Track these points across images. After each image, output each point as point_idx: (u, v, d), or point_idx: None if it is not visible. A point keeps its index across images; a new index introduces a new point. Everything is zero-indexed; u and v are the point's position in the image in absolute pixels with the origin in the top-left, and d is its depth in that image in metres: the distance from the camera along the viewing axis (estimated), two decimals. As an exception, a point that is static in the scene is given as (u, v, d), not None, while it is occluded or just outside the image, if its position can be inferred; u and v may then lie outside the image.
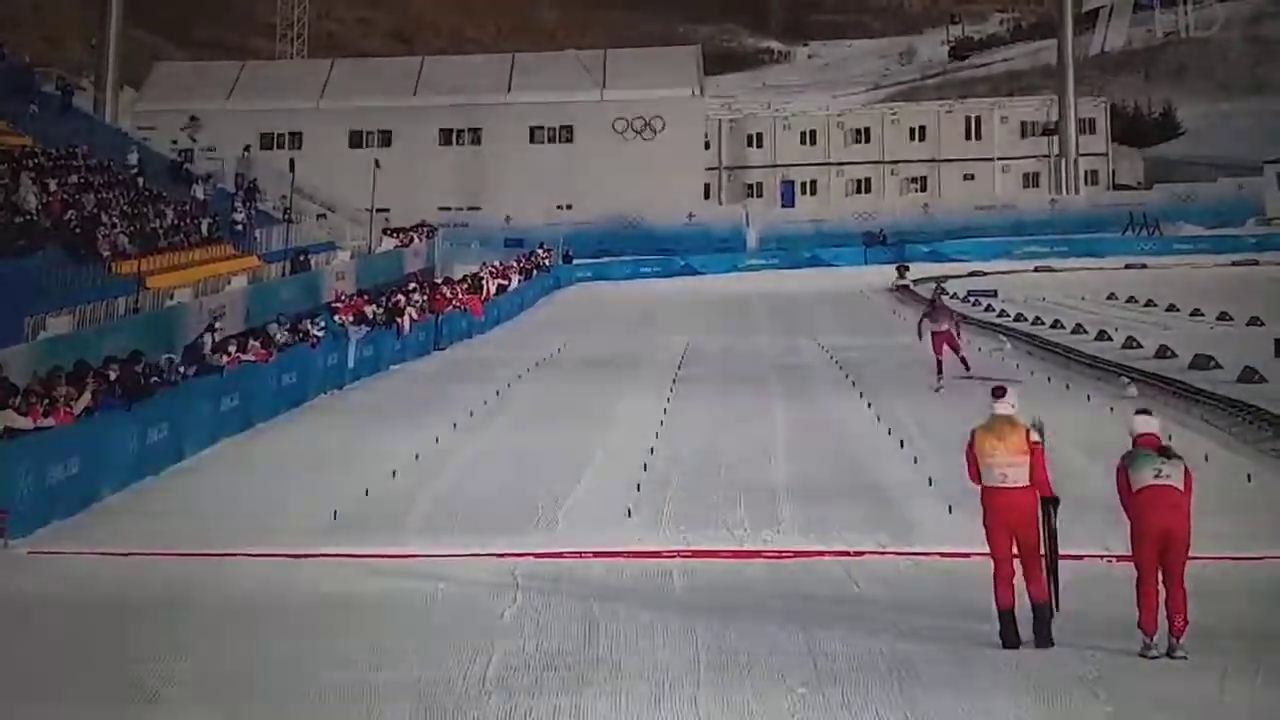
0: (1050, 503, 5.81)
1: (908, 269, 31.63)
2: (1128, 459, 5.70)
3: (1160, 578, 5.56)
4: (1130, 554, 5.76)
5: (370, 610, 6.61)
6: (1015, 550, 5.74)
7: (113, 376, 10.90)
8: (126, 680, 5.52)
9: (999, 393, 6.00)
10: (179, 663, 5.77)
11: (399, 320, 18.82)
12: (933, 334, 13.93)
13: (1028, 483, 5.73)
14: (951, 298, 27.07)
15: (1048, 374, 15.19)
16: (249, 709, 5.22)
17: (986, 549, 5.89)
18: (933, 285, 27.14)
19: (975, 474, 5.86)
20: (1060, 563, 5.86)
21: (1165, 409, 11.67)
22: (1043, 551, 5.77)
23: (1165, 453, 5.68)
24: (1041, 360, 16.73)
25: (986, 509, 5.80)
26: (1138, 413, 6.07)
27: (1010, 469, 5.71)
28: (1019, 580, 5.75)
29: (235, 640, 6.13)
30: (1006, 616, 5.74)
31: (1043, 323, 20.84)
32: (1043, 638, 5.70)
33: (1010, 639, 5.72)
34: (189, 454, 11.03)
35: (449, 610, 6.57)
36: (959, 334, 14.43)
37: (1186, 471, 5.66)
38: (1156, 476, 5.55)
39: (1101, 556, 6.93)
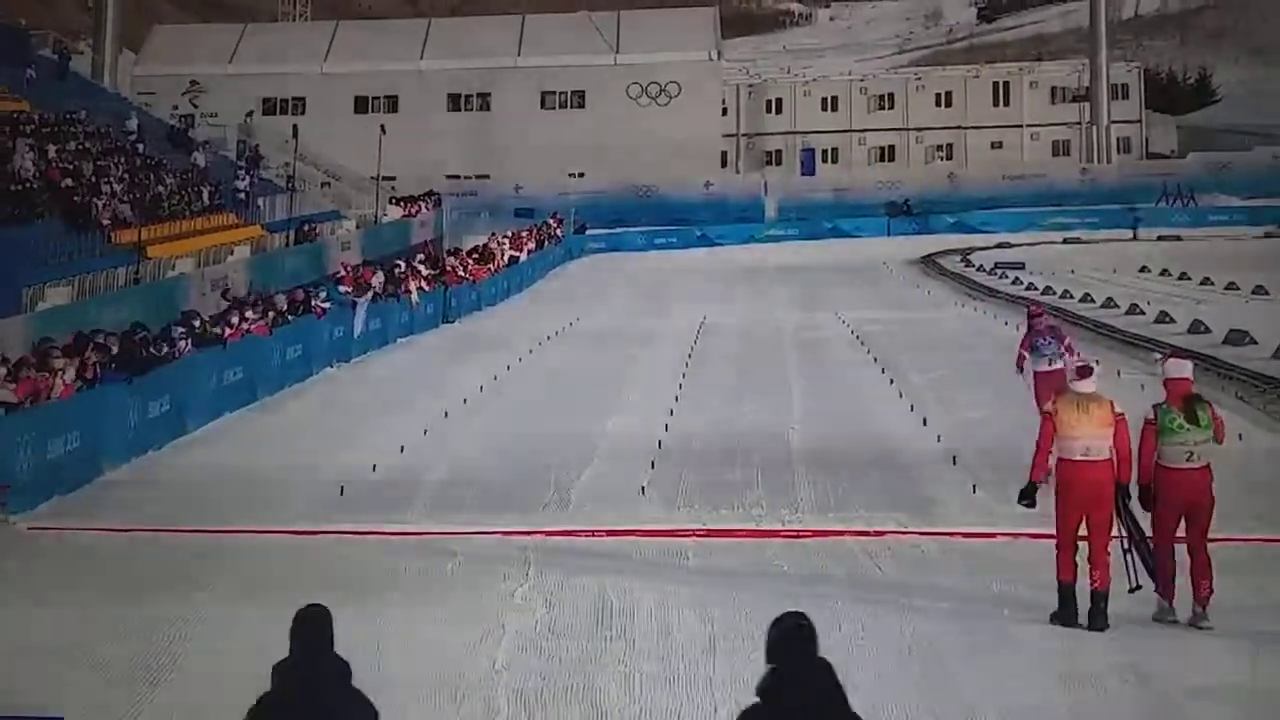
0: (1121, 490, 5.67)
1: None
2: (1159, 424, 5.66)
3: (1188, 545, 5.60)
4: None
5: (378, 589, 6.45)
6: (1084, 531, 5.60)
7: (114, 350, 10.65)
8: (129, 659, 5.41)
9: (1085, 372, 5.90)
10: (183, 641, 5.67)
11: (408, 290, 18.32)
12: (1037, 375, 8.99)
13: (1109, 456, 5.62)
14: (978, 269, 26.74)
15: (1076, 350, 14.76)
16: (255, 689, 5.09)
17: (1012, 529, 6.03)
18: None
19: (1046, 452, 5.68)
20: (1096, 543, 5.68)
21: (1198, 386, 11.42)
22: (1117, 532, 5.66)
23: (1193, 411, 5.65)
24: (1071, 336, 16.35)
25: (1063, 484, 5.63)
26: (1170, 356, 6.15)
27: (1094, 442, 5.59)
28: (1083, 563, 5.59)
29: (240, 618, 5.96)
30: (1067, 591, 5.60)
31: (1072, 296, 20.59)
32: (1096, 623, 5.58)
33: (1068, 616, 5.58)
34: (192, 428, 10.94)
35: (459, 588, 6.47)
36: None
37: (1217, 426, 5.70)
38: (1189, 460, 5.59)
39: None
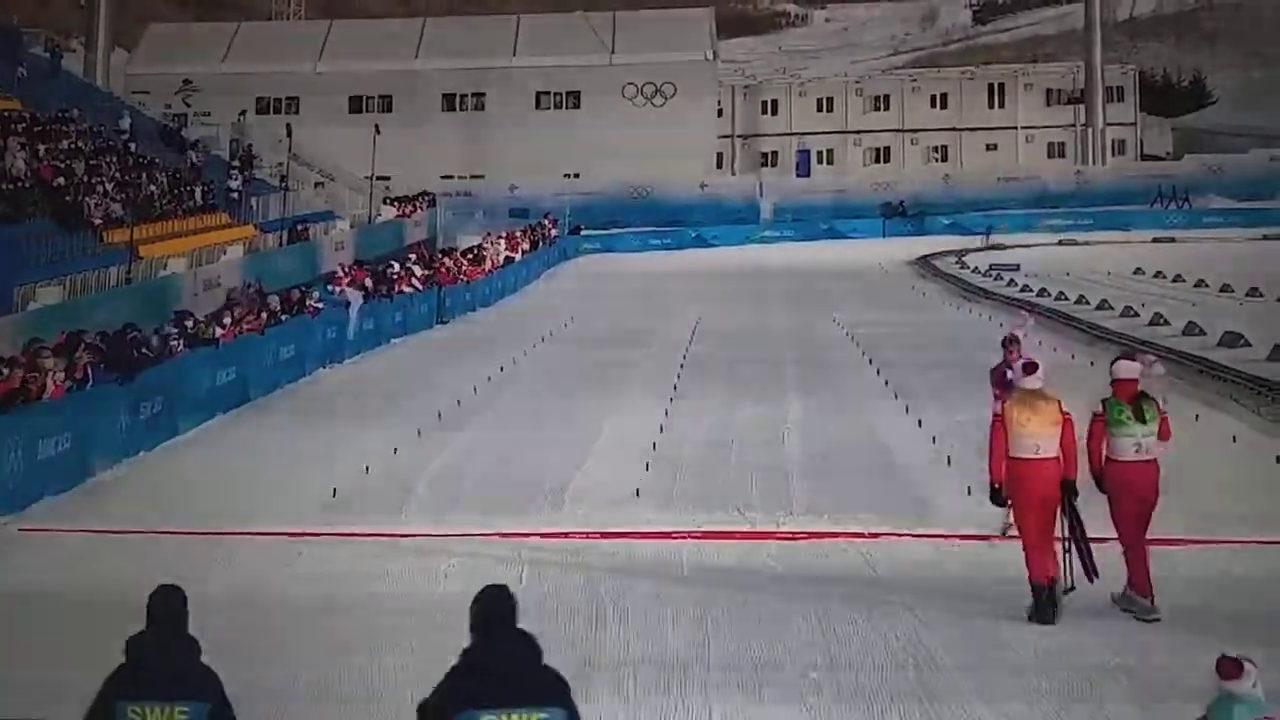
0: (1068, 488, 5.71)
1: None
2: (1108, 416, 5.81)
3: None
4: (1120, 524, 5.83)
5: (371, 591, 6.48)
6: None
7: (104, 349, 10.52)
8: (121, 661, 5.17)
9: (1030, 368, 5.99)
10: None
11: (401, 290, 18.27)
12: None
13: (1057, 454, 5.69)
14: (973, 271, 26.77)
15: (1071, 351, 14.84)
16: (246, 694, 5.08)
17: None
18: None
19: (1001, 455, 5.75)
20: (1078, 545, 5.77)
21: (1192, 388, 11.80)
22: (1061, 534, 5.72)
23: (1141, 409, 5.79)
24: (1065, 337, 16.37)
25: (1017, 483, 5.72)
26: (1121, 357, 6.25)
27: (1045, 439, 5.68)
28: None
29: (232, 622, 5.98)
30: (1041, 590, 5.66)
31: (1066, 298, 20.68)
32: (1044, 616, 5.66)
33: (1045, 614, 5.64)
34: (184, 429, 10.89)
35: (452, 591, 6.46)
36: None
37: (1163, 423, 5.84)
38: (1137, 452, 5.76)
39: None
